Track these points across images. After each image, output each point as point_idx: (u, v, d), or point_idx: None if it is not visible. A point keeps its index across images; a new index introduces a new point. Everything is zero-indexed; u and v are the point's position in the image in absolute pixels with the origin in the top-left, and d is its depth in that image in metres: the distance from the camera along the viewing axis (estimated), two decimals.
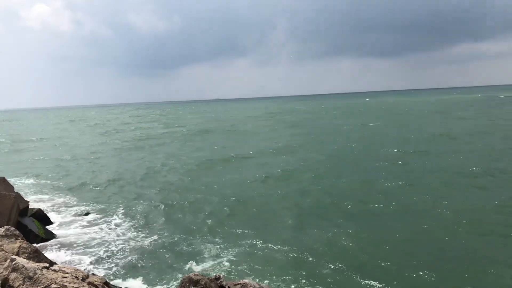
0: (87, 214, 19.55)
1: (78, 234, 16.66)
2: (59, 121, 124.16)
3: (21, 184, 27.09)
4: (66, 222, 18.29)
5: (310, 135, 49.43)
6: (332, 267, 12.66)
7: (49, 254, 13.57)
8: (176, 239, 15.83)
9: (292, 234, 15.74)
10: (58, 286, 6.79)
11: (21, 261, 7.31)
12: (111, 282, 10.62)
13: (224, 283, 8.93)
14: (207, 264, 13.32)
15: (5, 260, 8.33)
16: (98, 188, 25.50)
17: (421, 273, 11.95)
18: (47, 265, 7.67)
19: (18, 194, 16.38)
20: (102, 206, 20.99)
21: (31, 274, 6.96)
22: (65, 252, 14.54)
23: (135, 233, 16.71)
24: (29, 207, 17.01)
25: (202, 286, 8.47)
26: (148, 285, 12.11)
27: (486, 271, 11.89)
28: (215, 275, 9.27)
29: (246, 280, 9.22)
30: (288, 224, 16.97)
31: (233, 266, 13.00)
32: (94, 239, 16.02)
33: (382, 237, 14.88)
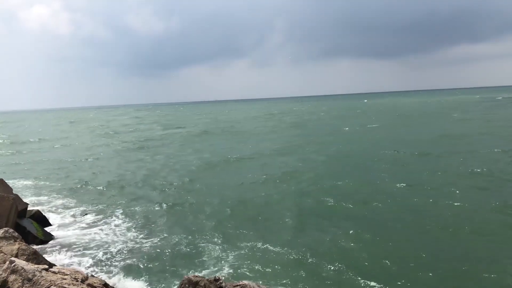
0: (86, 215, 19.51)
1: (77, 235, 16.59)
2: (58, 123, 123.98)
3: (20, 186, 26.99)
4: (65, 224, 18.23)
5: (309, 136, 49.40)
6: (332, 268, 12.64)
7: (48, 256, 13.50)
8: (175, 240, 15.79)
9: (292, 235, 15.70)
10: None
11: (20, 263, 7.28)
12: (111, 284, 10.58)
13: (223, 284, 8.90)
14: (207, 265, 13.28)
15: (4, 262, 8.29)
16: (97, 190, 25.42)
17: (421, 273, 11.94)
18: (46, 267, 7.64)
19: (16, 195, 16.33)
20: (102, 208, 20.93)
21: (30, 276, 6.92)
22: (64, 254, 14.47)
23: (134, 234, 16.67)
24: (28, 209, 16.92)
25: None
26: (148, 287, 12.07)
27: (486, 271, 11.86)
28: (215, 277, 9.25)
29: (245, 282, 9.19)
30: (288, 224, 16.94)
31: (232, 267, 12.97)
32: (93, 240, 15.96)
33: (383, 238, 14.87)
